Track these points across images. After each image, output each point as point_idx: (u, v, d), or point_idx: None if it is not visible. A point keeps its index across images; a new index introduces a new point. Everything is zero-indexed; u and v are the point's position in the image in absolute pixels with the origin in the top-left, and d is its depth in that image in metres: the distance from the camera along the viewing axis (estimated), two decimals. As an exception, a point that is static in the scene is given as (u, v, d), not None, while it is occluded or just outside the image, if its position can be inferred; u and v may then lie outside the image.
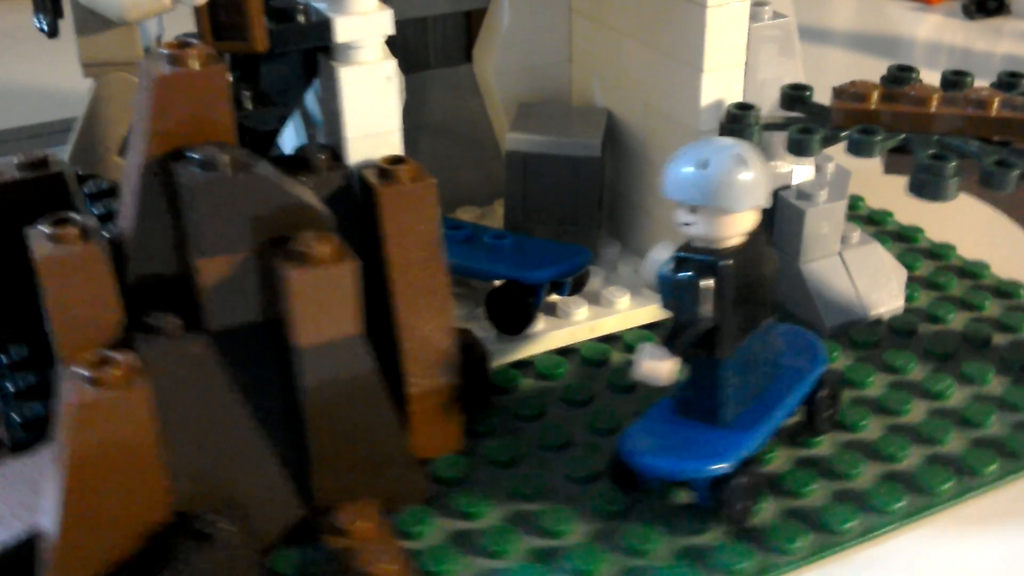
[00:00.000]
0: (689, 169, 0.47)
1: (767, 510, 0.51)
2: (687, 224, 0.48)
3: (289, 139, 0.61)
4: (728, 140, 0.48)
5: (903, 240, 0.73)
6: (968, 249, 0.72)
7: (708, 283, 0.48)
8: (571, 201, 0.65)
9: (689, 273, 0.48)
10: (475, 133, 0.72)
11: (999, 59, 1.07)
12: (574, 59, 0.70)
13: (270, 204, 0.44)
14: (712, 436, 0.50)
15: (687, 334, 0.48)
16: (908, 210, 0.74)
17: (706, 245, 0.49)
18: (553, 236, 0.65)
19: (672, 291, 0.49)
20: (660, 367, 0.49)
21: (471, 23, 0.70)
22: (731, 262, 0.48)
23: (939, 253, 0.71)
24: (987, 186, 0.50)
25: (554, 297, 0.63)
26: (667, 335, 0.49)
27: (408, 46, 0.69)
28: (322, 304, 0.45)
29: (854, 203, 0.77)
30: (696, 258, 0.48)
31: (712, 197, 0.47)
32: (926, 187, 0.50)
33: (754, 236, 0.49)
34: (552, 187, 0.65)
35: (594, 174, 0.64)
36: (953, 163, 0.50)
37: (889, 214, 0.76)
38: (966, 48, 1.09)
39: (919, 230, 0.74)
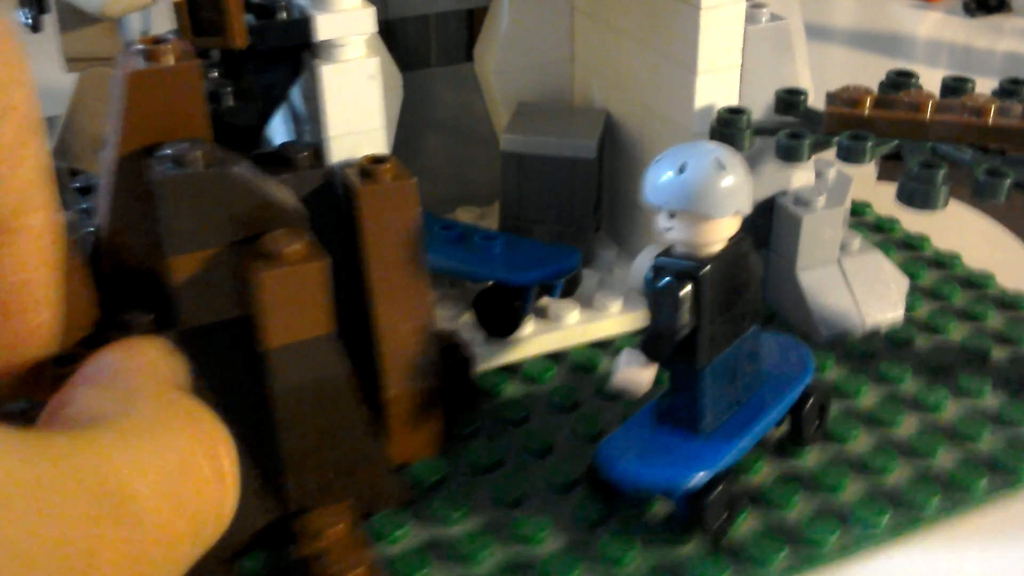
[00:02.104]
0: (667, 173, 0.46)
1: (747, 523, 0.50)
2: (666, 229, 0.47)
3: (279, 136, 0.61)
4: (709, 144, 0.47)
5: (908, 248, 0.72)
6: (974, 259, 0.70)
7: (686, 290, 0.47)
8: (567, 203, 0.64)
9: (667, 279, 0.47)
10: (477, 132, 0.72)
11: (1000, 57, 1.06)
12: (576, 59, 0.69)
13: (241, 201, 0.44)
14: (690, 446, 0.49)
15: (664, 341, 0.47)
16: (915, 218, 0.73)
17: (686, 251, 0.48)
18: (549, 238, 0.64)
19: (651, 297, 0.48)
20: (637, 375, 0.48)
21: (473, 21, 0.69)
22: (710, 269, 0.47)
23: (944, 262, 0.70)
24: (978, 196, 0.49)
25: (546, 300, 0.62)
26: (643, 341, 0.48)
27: (409, 44, 0.68)
28: (291, 304, 0.44)
29: (860, 210, 0.76)
30: (675, 264, 0.48)
31: (689, 202, 0.46)
32: (915, 196, 0.49)
33: (736, 242, 0.49)
34: (548, 188, 0.64)
35: (590, 176, 0.63)
36: (943, 171, 0.49)
37: (896, 222, 0.74)
38: (967, 46, 1.08)
39: (925, 239, 0.72)
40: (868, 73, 0.61)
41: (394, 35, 0.67)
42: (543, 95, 0.69)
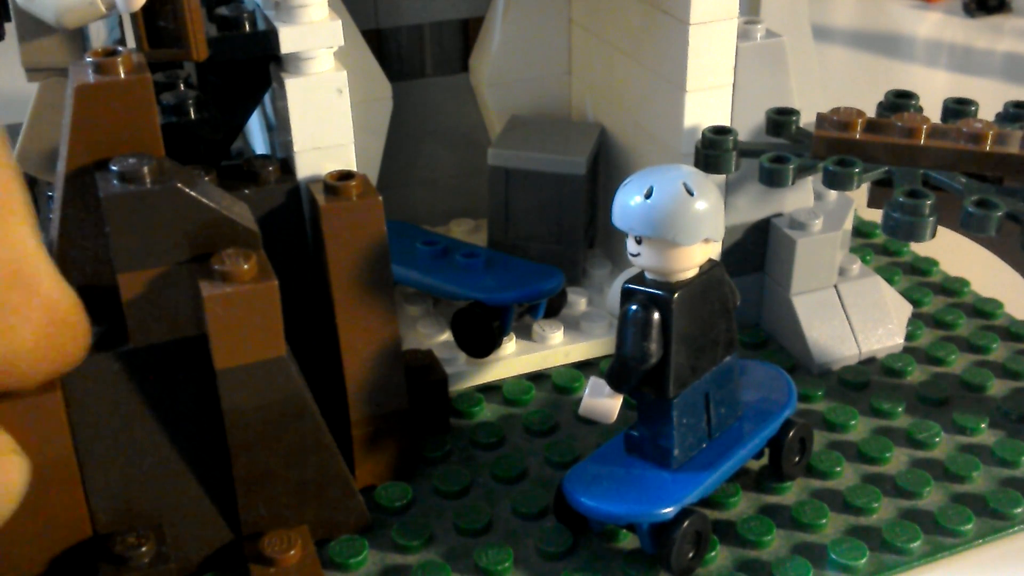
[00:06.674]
0: (634, 198, 0.45)
1: (717, 559, 0.48)
2: (634, 255, 0.45)
3: (259, 147, 0.60)
4: (679, 168, 0.45)
5: (916, 273, 0.69)
6: (984, 285, 0.67)
7: (654, 317, 0.45)
8: (556, 220, 0.62)
9: (634, 306, 0.45)
10: (475, 143, 0.70)
11: (1000, 57, 1.05)
12: (573, 72, 0.67)
13: (191, 218, 0.43)
14: (658, 479, 0.48)
15: (630, 371, 0.46)
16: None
17: (656, 277, 0.46)
18: (539, 255, 0.63)
19: (618, 323, 0.46)
20: (602, 404, 0.47)
21: (468, 31, 0.68)
22: (679, 296, 0.45)
23: (951, 288, 0.67)
24: (967, 228, 0.46)
25: (528, 319, 0.61)
26: (610, 371, 0.46)
27: (403, 53, 0.67)
28: (241, 324, 0.43)
29: (870, 231, 0.73)
30: (643, 291, 0.46)
31: (655, 228, 0.44)
32: (899, 228, 0.47)
33: (710, 269, 0.47)
34: (536, 205, 0.62)
35: (579, 193, 0.62)
36: (930, 202, 0.46)
37: (904, 244, 0.72)
38: (967, 46, 1.06)
39: (934, 263, 0.70)
40: (868, 74, 0.58)
41: (386, 44, 0.66)
42: (539, 108, 0.68)
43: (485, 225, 0.70)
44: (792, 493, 0.52)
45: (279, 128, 0.51)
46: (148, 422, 0.45)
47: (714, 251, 0.47)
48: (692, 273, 0.46)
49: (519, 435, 0.56)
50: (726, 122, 0.57)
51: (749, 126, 0.58)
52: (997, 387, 0.59)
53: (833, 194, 0.63)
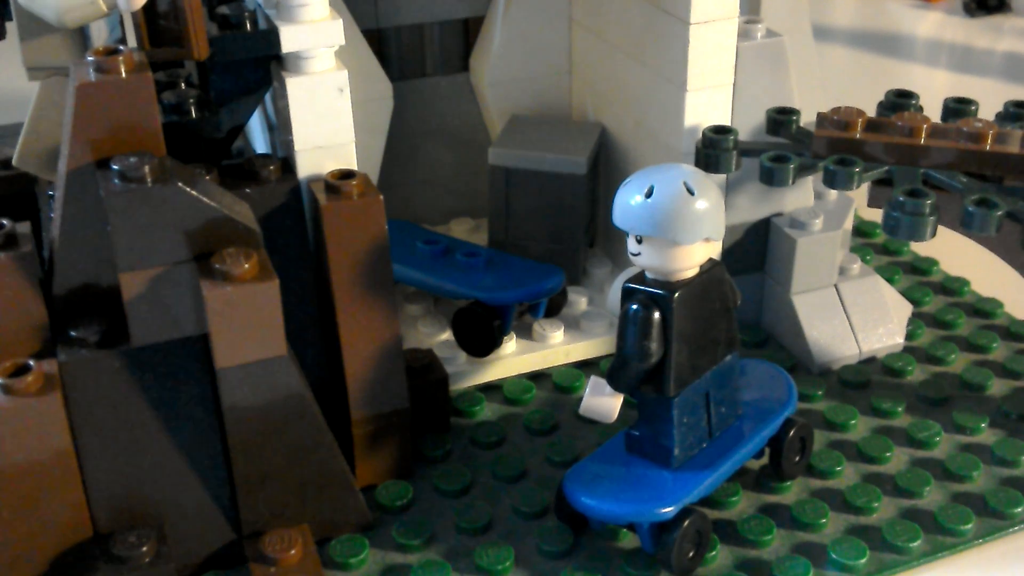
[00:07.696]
0: (635, 197, 0.45)
1: (717, 558, 0.48)
2: (635, 255, 0.45)
3: (260, 146, 0.60)
4: (680, 167, 0.45)
5: (916, 272, 0.69)
6: (984, 285, 0.67)
7: (654, 317, 0.45)
8: (556, 220, 0.62)
9: (635, 305, 0.45)
10: (475, 143, 0.70)
11: (1000, 57, 1.05)
12: (574, 71, 0.67)
13: (191, 217, 0.43)
14: (659, 478, 0.48)
15: (630, 370, 0.46)
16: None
17: (657, 277, 0.46)
18: (537, 255, 0.63)
19: (619, 323, 0.46)
20: (603, 403, 0.47)
21: (469, 31, 0.68)
22: (680, 295, 0.45)
23: (952, 288, 0.67)
24: (967, 227, 0.46)
25: (528, 319, 0.61)
26: (610, 369, 0.46)
27: (404, 53, 0.67)
28: (242, 323, 0.43)
29: (870, 231, 0.73)
30: (644, 290, 0.46)
31: (656, 228, 0.44)
32: (900, 227, 0.47)
33: (710, 268, 0.47)
34: (536, 204, 0.62)
35: (579, 192, 0.62)
36: (930, 201, 0.46)
37: (904, 244, 0.72)
38: (967, 46, 1.07)
39: (934, 262, 0.70)
40: (868, 73, 0.58)
41: (387, 44, 0.66)
42: (539, 108, 0.68)
43: (485, 224, 0.70)
44: (792, 493, 0.52)
45: (280, 127, 0.51)
46: (148, 421, 0.45)
47: (714, 250, 0.47)
48: (692, 272, 0.46)
49: (519, 434, 0.56)
50: (726, 121, 0.57)
51: (749, 125, 0.58)
52: (997, 387, 0.59)
53: (833, 193, 0.63)
